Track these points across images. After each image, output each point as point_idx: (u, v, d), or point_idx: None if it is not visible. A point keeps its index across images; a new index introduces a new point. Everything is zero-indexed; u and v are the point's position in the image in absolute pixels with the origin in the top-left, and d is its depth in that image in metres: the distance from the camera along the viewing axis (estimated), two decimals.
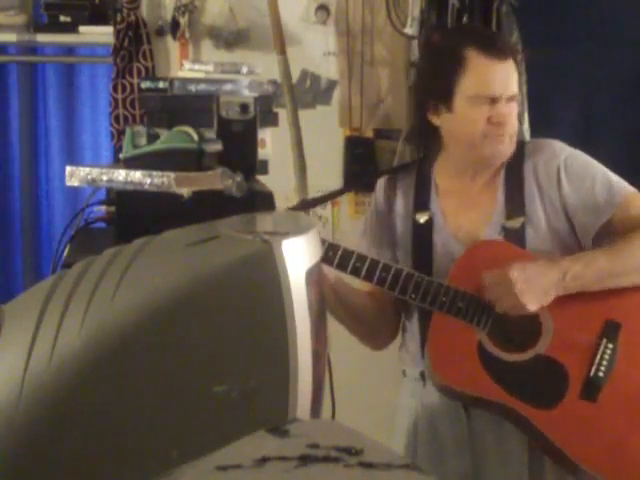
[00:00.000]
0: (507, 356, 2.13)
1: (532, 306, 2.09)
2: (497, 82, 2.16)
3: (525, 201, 2.21)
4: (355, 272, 2.15)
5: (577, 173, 2.21)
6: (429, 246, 2.24)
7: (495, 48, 2.18)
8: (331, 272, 2.16)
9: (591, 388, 2.12)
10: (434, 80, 2.22)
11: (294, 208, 2.32)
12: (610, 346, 2.13)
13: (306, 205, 2.50)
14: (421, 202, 2.29)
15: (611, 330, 2.14)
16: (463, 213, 2.26)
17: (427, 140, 2.31)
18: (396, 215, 2.32)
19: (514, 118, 2.20)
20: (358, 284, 2.24)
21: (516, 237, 2.19)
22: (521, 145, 2.28)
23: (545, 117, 3.34)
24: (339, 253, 2.14)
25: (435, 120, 2.23)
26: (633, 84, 3.46)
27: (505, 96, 2.16)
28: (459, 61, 2.16)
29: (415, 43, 3.52)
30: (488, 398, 2.12)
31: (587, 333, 2.14)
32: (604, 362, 2.13)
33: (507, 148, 2.20)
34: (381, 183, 2.37)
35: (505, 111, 2.17)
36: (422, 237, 2.26)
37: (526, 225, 2.20)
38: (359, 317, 2.30)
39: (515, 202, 2.22)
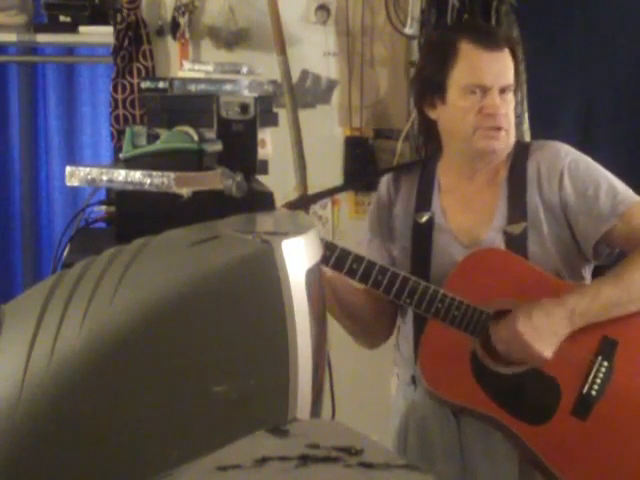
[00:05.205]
0: (500, 368, 2.09)
1: (548, 353, 2.05)
2: (488, 72, 2.12)
3: (527, 204, 2.17)
4: (351, 273, 2.13)
5: (581, 178, 2.15)
6: (428, 245, 2.21)
7: (487, 39, 2.15)
8: (328, 269, 2.14)
9: (583, 405, 2.08)
10: (429, 73, 2.20)
11: (292, 204, 2.31)
12: (605, 364, 2.09)
13: (306, 201, 2.48)
14: (423, 201, 2.26)
15: (607, 347, 2.10)
16: (464, 213, 2.22)
17: (427, 136, 2.31)
18: (397, 213, 2.29)
19: (509, 111, 2.16)
20: (355, 282, 2.21)
21: (518, 243, 2.15)
22: (526, 146, 2.24)
23: (545, 117, 3.34)
24: (336, 253, 2.11)
25: (432, 114, 2.21)
26: (634, 84, 3.46)
27: (497, 86, 2.12)
28: (452, 52, 2.14)
29: (415, 43, 3.53)
30: (477, 410, 2.10)
31: (583, 349, 2.09)
32: (598, 380, 2.08)
33: (502, 144, 2.15)
34: (385, 180, 2.35)
35: (497, 102, 2.12)
36: (422, 236, 2.23)
37: (528, 230, 2.15)
38: (355, 315, 2.27)
39: (517, 205, 2.17)
